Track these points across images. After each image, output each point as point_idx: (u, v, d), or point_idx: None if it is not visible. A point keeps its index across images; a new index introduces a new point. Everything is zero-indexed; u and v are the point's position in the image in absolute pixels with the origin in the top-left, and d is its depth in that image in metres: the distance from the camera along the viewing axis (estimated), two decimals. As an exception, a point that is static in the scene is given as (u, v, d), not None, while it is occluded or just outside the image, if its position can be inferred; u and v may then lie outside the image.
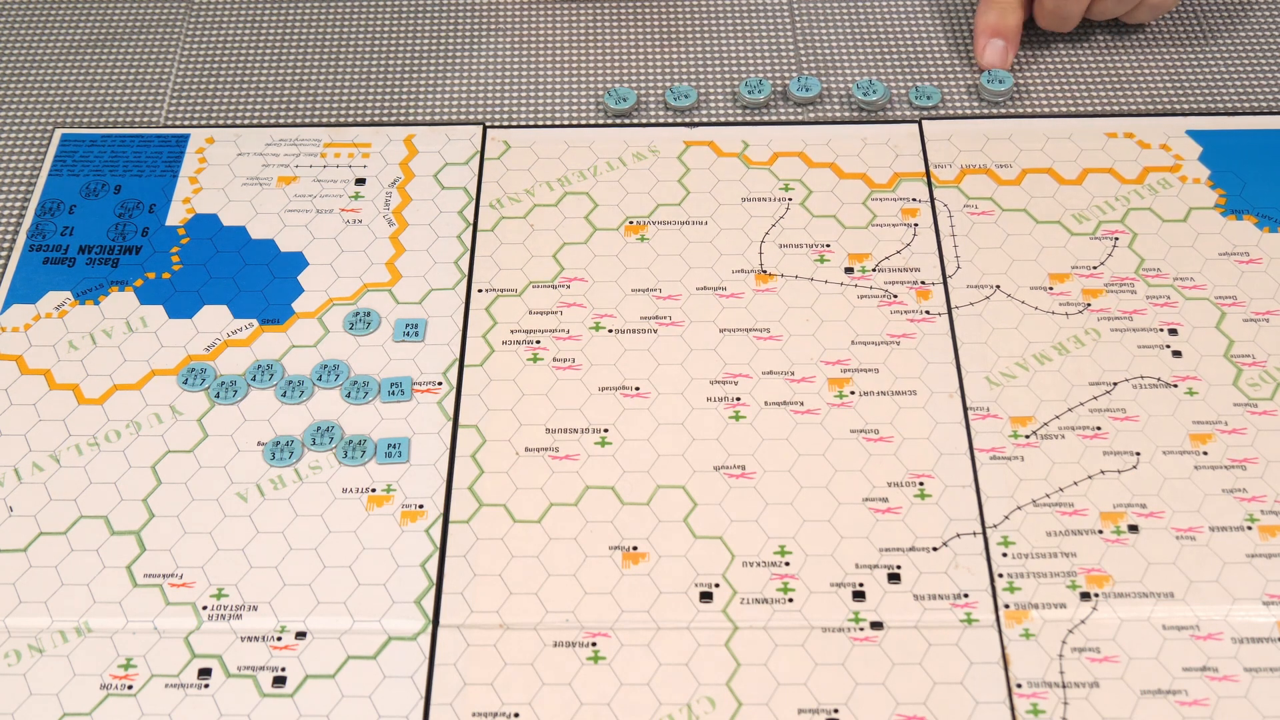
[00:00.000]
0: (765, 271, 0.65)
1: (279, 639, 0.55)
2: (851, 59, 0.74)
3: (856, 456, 0.59)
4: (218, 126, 0.72)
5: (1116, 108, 0.72)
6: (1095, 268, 0.65)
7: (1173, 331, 0.63)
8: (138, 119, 0.73)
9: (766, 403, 0.61)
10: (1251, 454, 0.59)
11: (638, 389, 0.62)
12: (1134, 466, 0.59)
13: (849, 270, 0.65)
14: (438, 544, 0.57)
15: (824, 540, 0.57)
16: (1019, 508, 0.58)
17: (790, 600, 0.55)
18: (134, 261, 0.66)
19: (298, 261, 0.66)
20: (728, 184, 0.69)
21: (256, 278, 0.66)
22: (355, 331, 0.62)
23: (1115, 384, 0.61)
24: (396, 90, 0.74)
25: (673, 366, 0.62)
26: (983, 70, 0.73)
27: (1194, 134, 0.70)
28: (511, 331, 0.64)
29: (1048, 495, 0.58)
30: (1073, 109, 0.72)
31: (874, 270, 0.65)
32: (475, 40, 0.76)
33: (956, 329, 0.63)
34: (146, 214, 0.68)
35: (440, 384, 0.62)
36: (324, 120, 0.72)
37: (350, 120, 0.72)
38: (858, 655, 0.54)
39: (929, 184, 0.68)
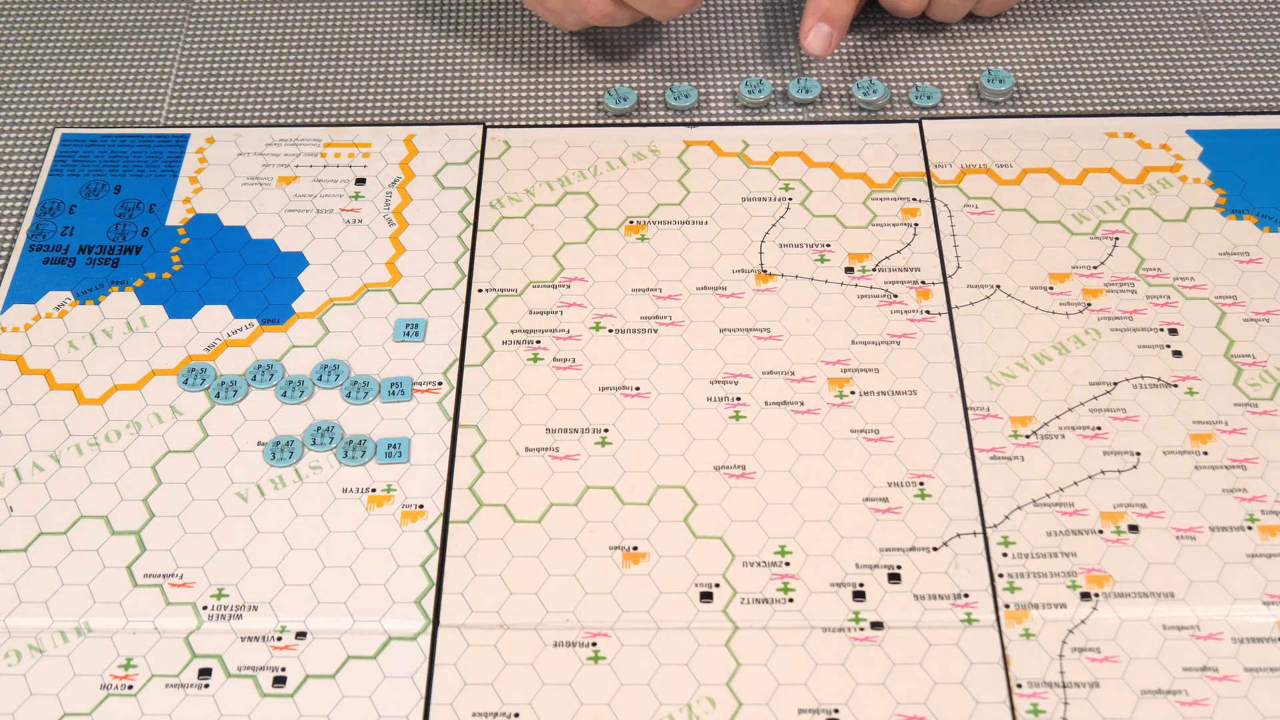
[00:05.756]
0: (765, 271, 0.65)
1: (279, 639, 0.55)
2: (851, 59, 0.74)
3: (857, 456, 0.59)
4: (218, 126, 0.72)
5: (1116, 108, 0.72)
6: (1095, 267, 0.65)
7: (1173, 331, 0.63)
8: (138, 119, 0.73)
9: (767, 403, 0.61)
10: (1251, 454, 0.59)
11: (638, 389, 0.62)
12: (1134, 466, 0.59)
13: (849, 270, 0.65)
14: (438, 544, 0.57)
15: (824, 540, 0.57)
16: (1019, 508, 0.58)
17: (790, 600, 0.55)
18: (134, 261, 0.66)
19: (298, 261, 0.66)
20: (728, 184, 0.69)
21: (256, 278, 0.66)
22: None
23: (1115, 384, 0.61)
24: (396, 90, 0.74)
25: (673, 366, 0.62)
26: (807, 53, 0.71)
27: (1194, 134, 0.70)
28: (512, 331, 0.64)
29: (1048, 495, 0.58)
30: (1073, 109, 0.72)
31: (874, 270, 0.65)
32: (475, 40, 0.76)
33: (956, 329, 0.63)
34: (146, 214, 0.68)
35: (440, 384, 0.62)
36: (324, 120, 0.72)
37: (350, 120, 0.72)
38: (858, 655, 0.54)
39: (929, 184, 0.68)
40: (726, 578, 0.56)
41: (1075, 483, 0.58)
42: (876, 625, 0.55)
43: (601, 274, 0.65)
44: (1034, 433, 0.60)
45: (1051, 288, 0.64)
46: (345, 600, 0.56)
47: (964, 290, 0.64)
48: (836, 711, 0.53)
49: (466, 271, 0.66)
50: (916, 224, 0.67)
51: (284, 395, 0.62)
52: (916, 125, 0.71)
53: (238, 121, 0.72)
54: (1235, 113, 0.71)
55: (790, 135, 0.71)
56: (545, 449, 0.60)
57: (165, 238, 0.67)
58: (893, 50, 0.75)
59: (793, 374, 0.62)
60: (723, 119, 0.72)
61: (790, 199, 0.68)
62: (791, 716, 0.53)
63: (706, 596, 0.56)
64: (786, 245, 0.66)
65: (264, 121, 0.72)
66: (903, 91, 0.73)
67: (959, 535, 0.57)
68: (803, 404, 0.61)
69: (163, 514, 0.58)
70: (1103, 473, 0.59)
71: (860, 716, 0.53)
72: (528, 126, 0.72)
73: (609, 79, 0.74)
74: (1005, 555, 0.56)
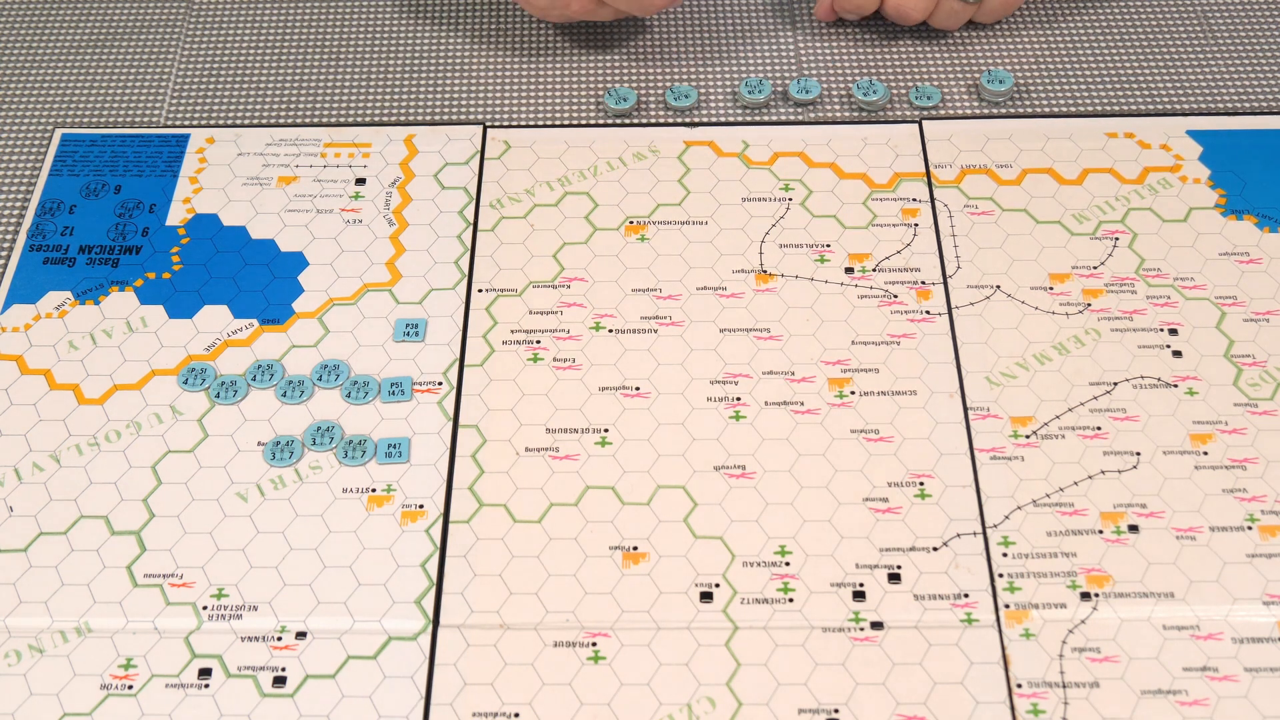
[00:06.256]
0: (765, 271, 0.65)
1: (279, 639, 0.55)
2: (851, 59, 0.74)
3: (856, 456, 0.59)
4: (218, 126, 0.72)
5: (1116, 108, 0.72)
6: (1095, 268, 0.65)
7: (1173, 331, 0.63)
8: (138, 119, 0.73)
9: (767, 403, 0.61)
10: (1251, 454, 0.59)
11: (638, 389, 0.62)
12: (1134, 466, 0.59)
13: (849, 270, 0.65)
14: (438, 544, 0.57)
15: (824, 540, 0.57)
16: (1019, 508, 0.58)
17: (790, 600, 0.55)
18: (134, 261, 0.66)
19: (298, 261, 0.66)
20: (728, 184, 0.69)
21: (256, 278, 0.66)
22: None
23: (1115, 384, 0.61)
24: (396, 90, 0.74)
25: (673, 366, 0.62)
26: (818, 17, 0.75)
27: (1194, 134, 0.70)
28: (512, 331, 0.64)
29: (1048, 495, 0.58)
30: (1073, 109, 0.72)
31: (874, 270, 0.65)
32: (475, 40, 0.76)
33: (956, 329, 0.63)
34: (147, 214, 0.68)
35: (440, 384, 0.62)
36: (324, 120, 0.72)
37: (350, 120, 0.72)
38: (858, 655, 0.54)
39: (929, 184, 0.68)
40: (726, 578, 0.56)
41: (1075, 483, 0.58)
42: (876, 625, 0.55)
43: (601, 274, 0.65)
44: (1034, 433, 0.60)
45: (1051, 288, 0.64)
46: (345, 600, 0.56)
47: (964, 290, 0.64)
48: (836, 711, 0.53)
49: (466, 271, 0.66)
50: (916, 224, 0.67)
51: (284, 395, 0.62)
52: (916, 125, 0.71)
53: (238, 121, 0.72)
54: (1235, 113, 0.71)
55: (790, 135, 0.71)
56: (545, 449, 0.60)
57: (165, 238, 0.67)
58: (893, 51, 0.75)
59: (793, 374, 0.62)
60: (723, 119, 0.72)
61: (790, 199, 0.68)
62: (791, 716, 0.53)
63: (706, 596, 0.56)
64: (786, 245, 0.66)
65: (264, 121, 0.72)
66: (903, 92, 0.73)
67: (959, 535, 0.57)
68: (803, 404, 0.61)
69: (163, 514, 0.58)
70: (1103, 473, 0.59)
71: (860, 716, 0.53)
72: (528, 126, 0.72)
73: (609, 79, 0.74)
74: (1005, 555, 0.56)
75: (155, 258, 0.67)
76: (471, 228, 0.67)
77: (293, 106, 0.73)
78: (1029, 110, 0.72)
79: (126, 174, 0.70)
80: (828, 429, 0.60)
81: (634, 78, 0.74)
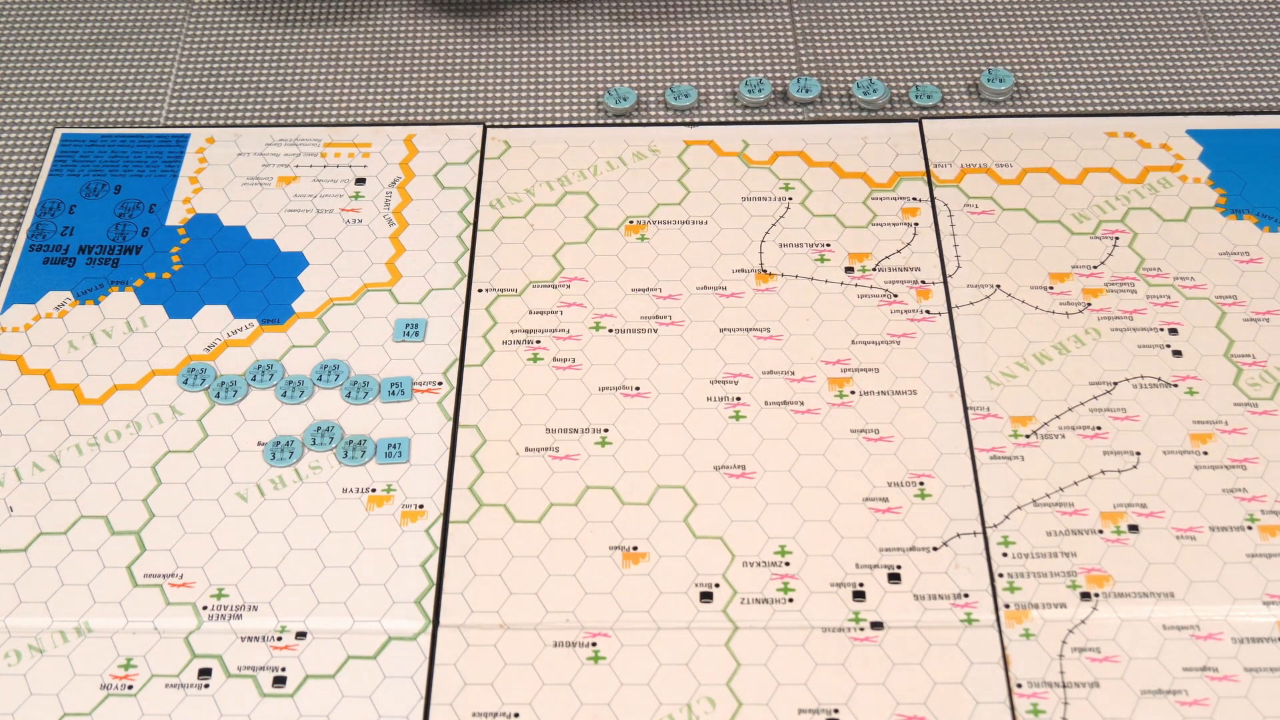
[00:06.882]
0: (765, 271, 0.65)
1: (279, 639, 0.55)
2: (851, 59, 0.74)
3: (856, 456, 0.59)
4: (218, 126, 0.72)
5: (1116, 107, 0.72)
6: (1095, 267, 0.65)
7: (1173, 331, 0.63)
8: (138, 119, 0.73)
9: (766, 402, 0.61)
10: (1251, 454, 0.59)
11: (638, 389, 0.62)
12: (1134, 466, 0.59)
13: (849, 270, 0.65)
14: (438, 544, 0.57)
15: (824, 540, 0.57)
16: (1019, 508, 0.58)
17: (790, 600, 0.55)
18: (134, 261, 0.66)
19: (298, 261, 0.66)
20: (728, 183, 0.69)
21: (256, 278, 0.66)
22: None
23: (1115, 384, 0.61)
24: (396, 90, 0.74)
25: (673, 366, 0.62)
26: None
27: (1194, 134, 0.70)
28: (511, 331, 0.64)
29: (1048, 495, 0.58)
30: (1073, 109, 0.72)
31: (874, 270, 0.65)
32: (475, 40, 0.76)
33: (956, 329, 0.63)
34: (146, 214, 0.68)
35: (440, 384, 0.62)
36: (324, 120, 0.72)
37: (350, 120, 0.72)
38: (858, 655, 0.54)
39: (929, 183, 0.68)
40: (726, 578, 0.56)
41: (1075, 483, 0.58)
42: (876, 625, 0.55)
43: (601, 274, 0.65)
44: (1034, 433, 0.60)
45: (1051, 287, 0.64)
46: (345, 600, 0.56)
47: (964, 290, 0.64)
48: (836, 711, 0.53)
49: (466, 271, 0.66)
50: (916, 223, 0.67)
51: (284, 395, 0.62)
52: (916, 125, 0.71)
53: (238, 121, 0.72)
54: (1235, 113, 0.71)
55: (790, 135, 0.71)
56: (545, 449, 0.60)
57: (165, 238, 0.67)
58: (893, 50, 0.75)
59: (793, 374, 0.62)
60: (723, 119, 0.72)
61: (790, 199, 0.68)
62: (791, 716, 0.53)
63: (706, 596, 0.56)
64: (786, 245, 0.66)
65: (264, 121, 0.72)
66: (903, 91, 0.73)
67: (959, 535, 0.57)
68: (803, 404, 0.61)
69: (163, 514, 0.58)
70: (1103, 473, 0.59)
71: (860, 716, 0.53)
72: (528, 126, 0.72)
73: (609, 79, 0.74)
74: (1005, 555, 0.56)
75: (155, 258, 0.67)
76: (471, 228, 0.67)
77: (293, 106, 0.73)
78: (1029, 110, 0.72)
79: (126, 174, 0.70)
80: (828, 429, 0.60)
81: (634, 78, 0.74)
